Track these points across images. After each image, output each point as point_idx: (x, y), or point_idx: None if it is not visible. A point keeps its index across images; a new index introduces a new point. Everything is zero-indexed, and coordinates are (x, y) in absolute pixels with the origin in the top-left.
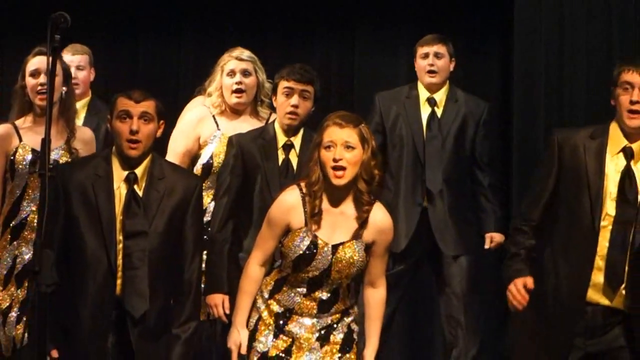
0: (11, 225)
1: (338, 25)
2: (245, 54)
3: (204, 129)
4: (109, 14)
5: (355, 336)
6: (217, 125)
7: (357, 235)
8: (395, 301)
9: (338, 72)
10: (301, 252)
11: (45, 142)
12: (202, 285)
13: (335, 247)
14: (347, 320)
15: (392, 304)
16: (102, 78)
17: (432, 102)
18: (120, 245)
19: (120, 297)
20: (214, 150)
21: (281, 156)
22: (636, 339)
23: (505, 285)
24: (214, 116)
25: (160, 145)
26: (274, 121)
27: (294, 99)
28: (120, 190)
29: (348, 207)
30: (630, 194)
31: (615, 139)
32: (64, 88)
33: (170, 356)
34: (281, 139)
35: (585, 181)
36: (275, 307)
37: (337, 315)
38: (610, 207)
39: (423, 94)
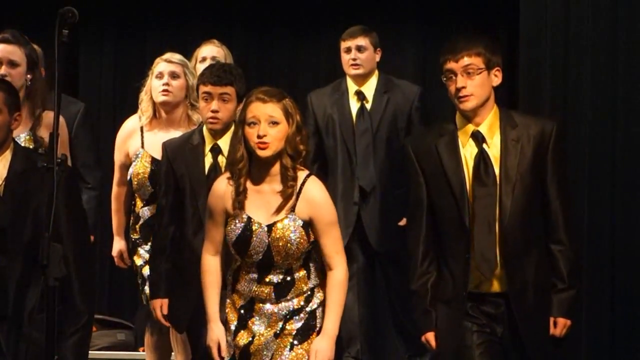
0: None
1: (344, 23)
2: (176, 57)
3: (132, 144)
4: (117, 10)
5: (318, 326)
6: (142, 143)
7: (290, 211)
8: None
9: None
10: (237, 235)
11: (54, 137)
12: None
13: (270, 227)
14: (310, 307)
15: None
16: (110, 74)
17: (361, 96)
18: None
19: None
20: (133, 171)
21: (209, 161)
22: (516, 319)
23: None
24: (142, 128)
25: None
26: (202, 125)
27: (214, 104)
28: None
29: (276, 184)
30: (487, 177)
31: (463, 127)
32: (28, 75)
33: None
34: (209, 143)
35: (445, 179)
36: (239, 301)
37: (300, 300)
38: (471, 196)
39: (352, 87)
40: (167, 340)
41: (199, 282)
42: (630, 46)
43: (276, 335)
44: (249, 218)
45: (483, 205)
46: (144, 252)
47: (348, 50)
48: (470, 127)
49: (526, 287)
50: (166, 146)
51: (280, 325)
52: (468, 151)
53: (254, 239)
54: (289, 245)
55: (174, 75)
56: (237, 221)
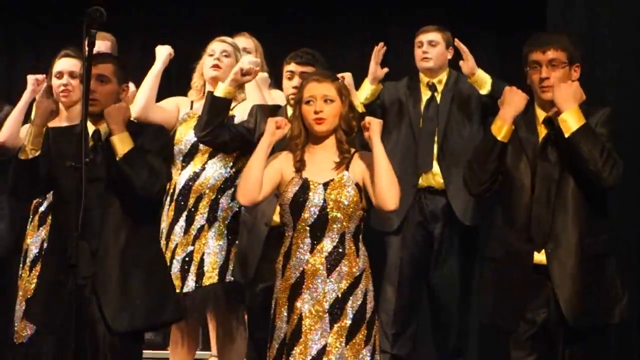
0: (40, 211)
1: (371, 17)
2: (228, 39)
3: (182, 105)
4: (143, 11)
5: (368, 315)
6: (192, 106)
7: (344, 170)
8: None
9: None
10: (294, 194)
11: (82, 136)
12: None
13: (326, 185)
14: (359, 293)
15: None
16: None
17: (432, 88)
18: None
19: None
20: (177, 135)
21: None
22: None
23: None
24: (192, 102)
25: None
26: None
27: (295, 81)
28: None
29: (332, 155)
30: (552, 154)
31: (538, 114)
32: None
33: None
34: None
35: (521, 148)
36: (290, 280)
37: (348, 281)
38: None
39: (424, 79)
40: (193, 338)
41: None
42: None
43: (331, 322)
44: (306, 179)
45: (544, 177)
46: (180, 231)
47: (420, 44)
48: (543, 114)
49: (569, 254)
50: (253, 110)
51: (328, 317)
52: (540, 132)
53: (310, 196)
54: (343, 199)
55: (224, 54)
56: (294, 183)
